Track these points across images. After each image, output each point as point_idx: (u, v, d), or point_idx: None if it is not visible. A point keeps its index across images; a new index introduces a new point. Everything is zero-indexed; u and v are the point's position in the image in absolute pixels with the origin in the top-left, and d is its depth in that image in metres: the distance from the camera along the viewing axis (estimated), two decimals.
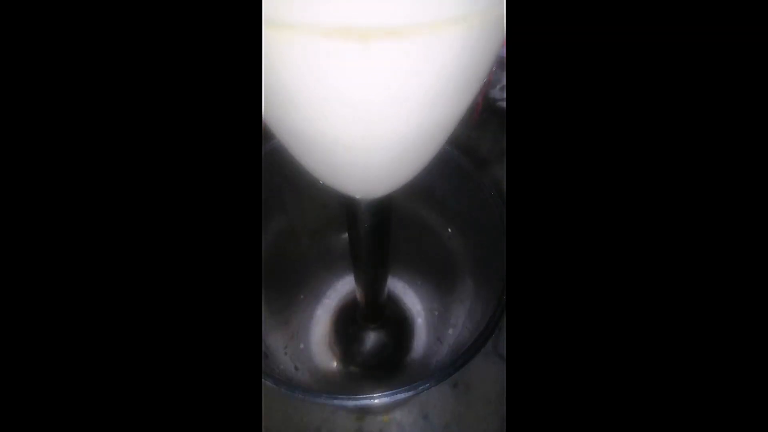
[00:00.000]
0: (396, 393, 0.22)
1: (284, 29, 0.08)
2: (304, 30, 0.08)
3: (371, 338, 0.38)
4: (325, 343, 0.40)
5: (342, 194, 0.17)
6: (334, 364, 0.39)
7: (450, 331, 0.35)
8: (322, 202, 0.36)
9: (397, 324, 0.40)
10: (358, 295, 0.31)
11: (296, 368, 0.36)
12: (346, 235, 0.41)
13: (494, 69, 0.49)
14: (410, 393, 0.22)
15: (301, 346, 0.39)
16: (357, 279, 0.29)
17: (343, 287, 0.42)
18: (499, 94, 0.51)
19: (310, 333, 0.40)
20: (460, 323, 0.32)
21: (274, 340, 0.36)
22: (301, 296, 0.41)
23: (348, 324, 0.39)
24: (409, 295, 0.42)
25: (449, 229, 0.35)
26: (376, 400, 0.22)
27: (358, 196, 0.17)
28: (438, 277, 0.39)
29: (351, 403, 0.22)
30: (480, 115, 0.51)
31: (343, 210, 0.20)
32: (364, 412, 0.38)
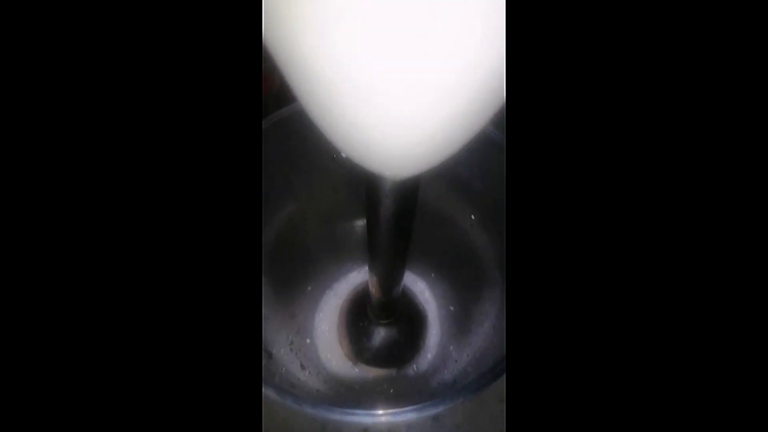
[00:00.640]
0: (416, 410, 0.19)
1: None
2: None
3: (382, 335, 0.35)
4: (332, 338, 0.37)
5: (363, 172, 0.14)
6: (342, 361, 0.36)
7: (473, 331, 0.32)
8: (332, 185, 0.33)
9: (411, 320, 0.37)
10: (371, 288, 0.28)
11: (302, 366, 0.33)
12: (357, 222, 0.38)
13: None
14: (429, 410, 0.19)
15: (308, 341, 0.36)
16: (371, 270, 0.26)
17: (354, 278, 0.39)
18: None
19: (317, 327, 0.37)
20: (487, 324, 0.29)
21: (278, 334, 0.33)
22: (308, 288, 0.38)
23: (358, 319, 0.36)
24: (423, 290, 0.39)
25: (472, 216, 0.31)
26: (385, 418, 0.19)
27: (387, 173, 0.14)
28: (457, 270, 0.36)
29: (357, 418, 0.19)
30: None
31: (355, 194, 0.17)
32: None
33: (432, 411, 0.19)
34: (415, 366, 0.37)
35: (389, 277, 0.26)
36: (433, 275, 0.40)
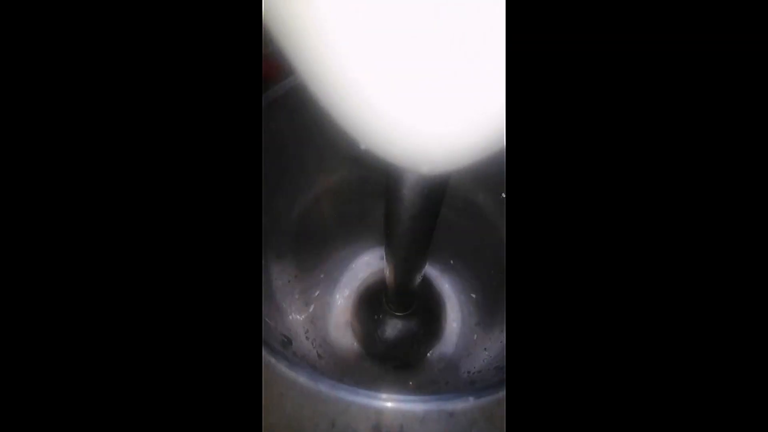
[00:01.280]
0: (430, 400, 0.19)
1: None
2: None
3: (398, 327, 0.34)
4: (347, 329, 0.36)
5: (386, 165, 0.12)
6: (356, 351, 0.35)
7: (498, 320, 0.30)
8: (347, 163, 0.31)
9: (429, 310, 0.36)
10: (388, 280, 0.26)
11: (319, 356, 0.32)
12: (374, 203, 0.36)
13: None
14: (444, 404, 0.18)
15: (322, 331, 0.35)
16: (388, 262, 0.24)
17: (372, 261, 0.38)
18: None
19: (331, 317, 0.36)
20: None
21: (294, 323, 0.32)
22: (321, 275, 0.36)
23: (373, 310, 0.34)
24: (442, 279, 0.37)
25: (503, 195, 0.29)
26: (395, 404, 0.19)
27: (423, 170, 0.12)
28: (481, 258, 0.34)
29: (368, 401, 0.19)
30: None
31: (373, 174, 0.15)
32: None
33: (446, 406, 0.18)
34: (435, 357, 0.35)
35: (408, 271, 0.24)
36: (452, 262, 0.38)
